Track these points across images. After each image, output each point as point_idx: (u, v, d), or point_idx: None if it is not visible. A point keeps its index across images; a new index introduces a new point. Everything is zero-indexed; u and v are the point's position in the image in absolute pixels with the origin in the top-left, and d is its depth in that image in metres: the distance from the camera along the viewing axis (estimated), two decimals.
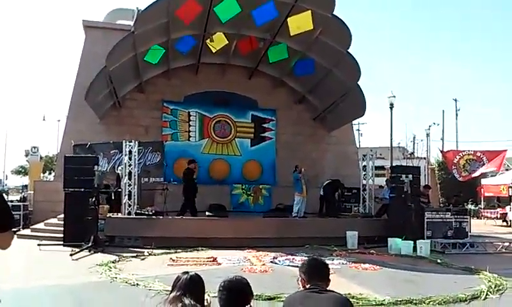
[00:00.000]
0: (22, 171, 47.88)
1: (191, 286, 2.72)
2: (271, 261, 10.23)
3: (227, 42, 16.47)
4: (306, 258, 3.32)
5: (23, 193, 26.85)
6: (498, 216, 22.41)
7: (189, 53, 17.25)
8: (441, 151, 22.84)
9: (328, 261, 3.30)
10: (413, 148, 41.75)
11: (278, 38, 16.27)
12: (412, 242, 12.12)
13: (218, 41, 16.27)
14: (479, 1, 77.26)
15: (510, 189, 22.18)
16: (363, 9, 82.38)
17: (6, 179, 49.09)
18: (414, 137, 42.05)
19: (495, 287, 7.80)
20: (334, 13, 14.53)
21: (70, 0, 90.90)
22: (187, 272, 2.85)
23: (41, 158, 35.36)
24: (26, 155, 40.50)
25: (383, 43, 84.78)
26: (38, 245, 11.53)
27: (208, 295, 2.82)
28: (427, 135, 38.63)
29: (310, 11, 14.54)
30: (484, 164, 18.08)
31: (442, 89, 76.00)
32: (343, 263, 10.22)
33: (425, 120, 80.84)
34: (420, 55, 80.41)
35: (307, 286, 2.94)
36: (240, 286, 2.70)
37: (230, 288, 2.67)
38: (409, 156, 37.96)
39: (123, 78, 16.33)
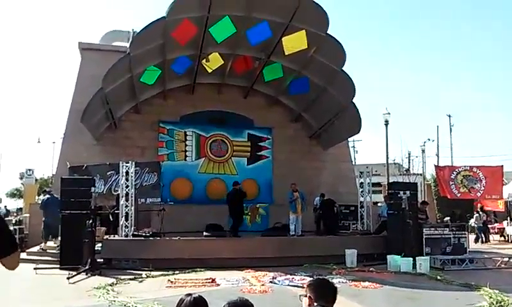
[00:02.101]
0: (16, 194, 47.47)
1: None
2: (271, 281, 10.15)
3: (222, 62, 16.57)
4: (316, 277, 3.29)
5: (18, 216, 26.58)
6: (496, 231, 22.35)
7: (184, 73, 17.33)
8: (436, 166, 22.57)
9: None
10: (409, 165, 41.86)
11: (272, 58, 16.37)
12: (411, 258, 12.08)
13: (214, 61, 16.36)
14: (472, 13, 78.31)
15: (508, 204, 22.14)
16: (356, 22, 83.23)
17: (0, 202, 48.62)
18: (409, 154, 42.18)
19: (496, 303, 7.77)
20: (328, 32, 14.67)
21: (65, 22, 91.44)
22: (190, 294, 2.80)
23: (36, 180, 35.10)
24: (21, 178, 40.16)
25: (376, 59, 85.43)
26: (34, 269, 11.35)
27: None
28: (423, 151, 38.81)
29: (304, 31, 14.68)
30: (480, 180, 18.06)
31: (437, 105, 76.47)
32: (343, 282, 10.14)
33: (420, 136, 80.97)
34: (414, 71, 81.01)
35: (314, 305, 2.91)
36: None
37: None
38: (405, 172, 37.99)
39: (119, 99, 16.35)
